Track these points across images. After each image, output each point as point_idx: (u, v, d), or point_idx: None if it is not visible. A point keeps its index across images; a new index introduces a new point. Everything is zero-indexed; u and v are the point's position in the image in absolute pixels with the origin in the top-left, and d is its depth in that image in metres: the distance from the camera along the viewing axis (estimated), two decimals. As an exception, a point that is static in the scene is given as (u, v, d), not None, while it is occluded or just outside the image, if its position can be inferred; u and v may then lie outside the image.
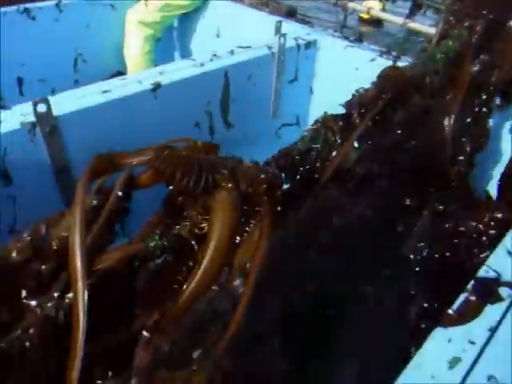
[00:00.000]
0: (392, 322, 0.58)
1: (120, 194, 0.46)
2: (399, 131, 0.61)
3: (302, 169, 0.56)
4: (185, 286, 0.41)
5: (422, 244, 0.63)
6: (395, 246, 0.63)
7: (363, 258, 0.57)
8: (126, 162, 0.48)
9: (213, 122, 1.44)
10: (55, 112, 1.03)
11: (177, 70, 1.32)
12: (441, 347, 0.55)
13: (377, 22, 3.92)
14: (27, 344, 0.34)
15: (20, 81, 1.77)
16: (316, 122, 0.61)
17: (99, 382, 0.35)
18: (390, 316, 0.58)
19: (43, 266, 0.42)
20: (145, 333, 0.37)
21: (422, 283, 0.61)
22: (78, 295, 0.36)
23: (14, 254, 0.42)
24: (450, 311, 0.56)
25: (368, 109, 0.59)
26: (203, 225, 0.45)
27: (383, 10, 3.26)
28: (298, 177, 0.56)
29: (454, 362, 0.53)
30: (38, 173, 1.05)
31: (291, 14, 1.82)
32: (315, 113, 0.80)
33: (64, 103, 1.07)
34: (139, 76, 1.28)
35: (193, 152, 0.48)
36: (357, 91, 0.62)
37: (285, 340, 0.43)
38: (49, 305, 0.38)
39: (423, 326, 0.58)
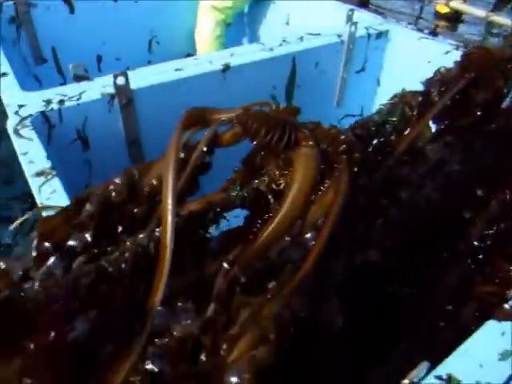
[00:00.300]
0: (448, 305, 0.57)
1: (205, 149, 0.49)
2: (479, 113, 0.59)
3: (376, 140, 0.57)
4: (259, 234, 0.44)
5: (488, 232, 0.61)
6: (459, 231, 0.61)
7: (426, 238, 0.57)
8: (215, 117, 0.51)
9: (277, 107, 1.46)
10: (132, 85, 1.09)
11: (246, 53, 1.34)
12: (493, 339, 0.53)
13: (454, 19, 3.68)
14: (123, 266, 0.39)
15: (99, 58, 1.89)
16: (394, 96, 0.61)
17: (179, 304, 0.38)
18: (446, 299, 0.57)
19: (135, 210, 0.47)
20: (225, 264, 0.40)
21: (483, 271, 0.59)
22: (167, 229, 0.39)
23: (112, 194, 0.47)
24: (507, 306, 0.54)
25: (449, 87, 0.57)
26: (281, 181, 0.47)
27: (464, 2, 3.05)
28: (371, 148, 0.56)
29: (505, 355, 0.52)
30: (113, 142, 1.12)
31: (364, 3, 1.79)
32: (381, 105, 0.79)
33: (140, 78, 1.14)
34: (210, 56, 1.33)
35: (276, 113, 0.50)
36: (438, 70, 0.61)
37: (345, 300, 0.44)
38: (141, 236, 0.42)
39: (477, 314, 0.57)
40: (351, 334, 0.44)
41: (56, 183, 0.79)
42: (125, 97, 1.09)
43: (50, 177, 0.80)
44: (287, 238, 0.43)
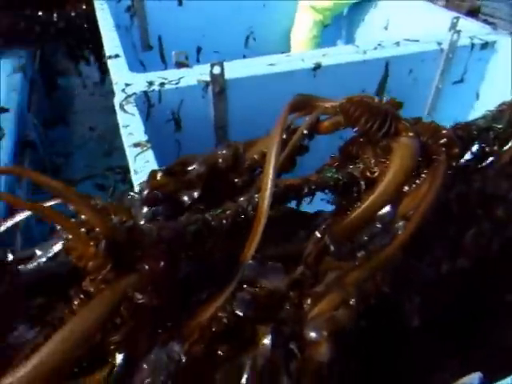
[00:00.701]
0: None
1: (305, 132, 0.52)
2: None
3: (477, 146, 0.55)
4: (349, 214, 0.45)
5: None
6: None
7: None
8: (319, 104, 0.54)
9: (363, 110, 1.45)
10: (226, 75, 1.16)
11: (339, 54, 1.35)
12: None
13: None
14: (224, 221, 0.44)
15: (199, 49, 2.01)
16: (502, 104, 0.58)
17: (270, 262, 0.41)
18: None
19: (236, 179, 0.52)
20: (317, 233, 0.43)
21: None
22: (266, 195, 0.42)
23: (220, 161, 0.52)
24: None
25: None
26: (375, 169, 0.49)
27: None
28: (471, 153, 0.54)
29: None
30: (202, 126, 1.20)
31: (473, 12, 1.69)
32: (477, 120, 0.75)
33: (234, 69, 1.20)
34: (303, 55, 1.35)
35: (379, 103, 0.51)
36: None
37: (423, 303, 0.44)
38: (241, 199, 0.47)
39: None
40: (428, 334, 0.44)
41: (150, 155, 0.87)
42: (218, 85, 1.16)
43: (145, 148, 0.89)
44: (378, 225, 0.44)
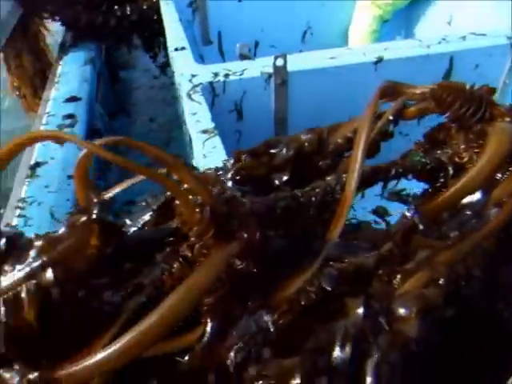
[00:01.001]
0: None
1: (391, 117, 0.53)
2: None
3: None
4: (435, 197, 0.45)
5: None
6: None
7: None
8: (407, 90, 0.54)
9: (424, 106, 1.41)
10: (288, 68, 1.17)
11: (401, 48, 1.33)
12: None
13: None
14: (312, 199, 0.45)
15: (256, 44, 2.04)
16: None
17: (355, 241, 0.43)
18: None
19: (320, 162, 0.53)
20: (406, 212, 0.44)
21: None
22: (354, 174, 0.43)
23: (306, 144, 0.54)
24: None
25: None
26: (464, 155, 0.48)
27: None
28: None
29: None
30: (263, 117, 1.22)
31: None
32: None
33: (296, 62, 1.21)
34: (364, 48, 1.35)
35: (472, 89, 0.50)
36: None
37: None
38: (329, 178, 0.48)
39: None
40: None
41: (217, 141, 0.90)
42: (280, 77, 1.17)
43: (212, 135, 0.92)
44: (468, 212, 0.44)
